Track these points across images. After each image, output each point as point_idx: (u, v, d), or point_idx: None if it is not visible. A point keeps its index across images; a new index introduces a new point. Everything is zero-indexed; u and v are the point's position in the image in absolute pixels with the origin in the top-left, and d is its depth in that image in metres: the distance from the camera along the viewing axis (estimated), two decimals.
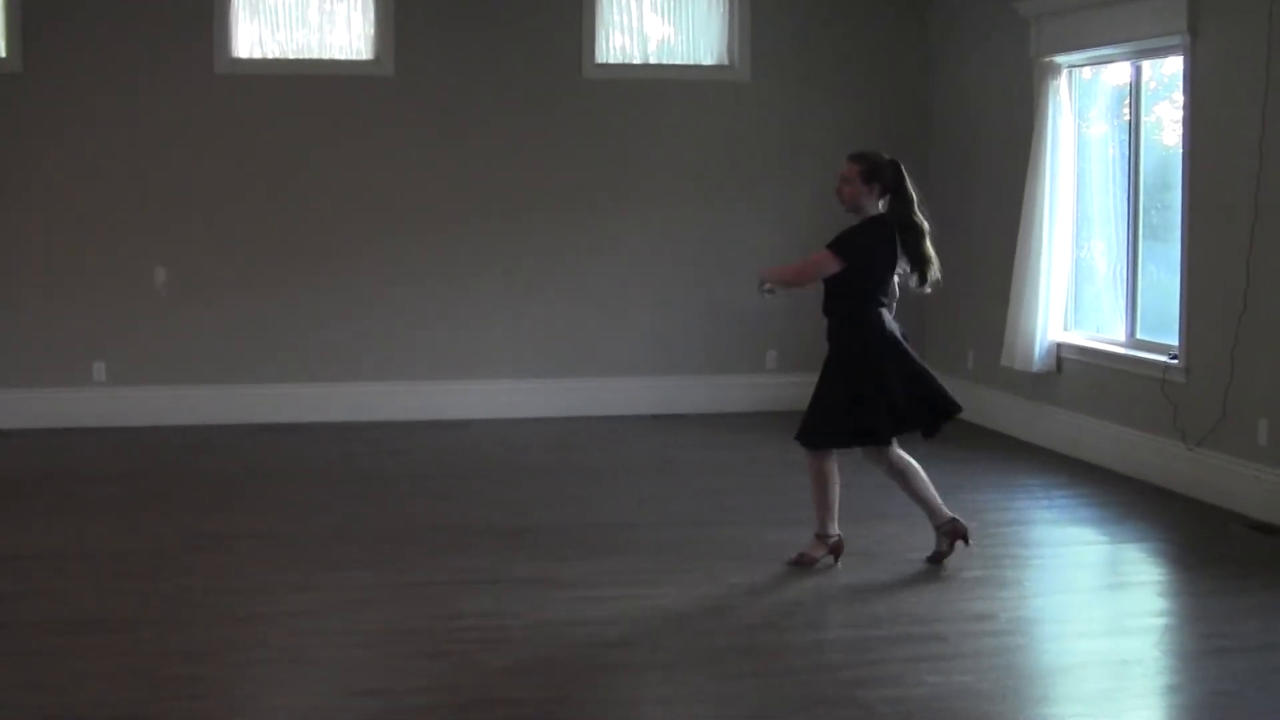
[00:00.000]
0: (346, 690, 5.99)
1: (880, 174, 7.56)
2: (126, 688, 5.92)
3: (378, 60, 11.82)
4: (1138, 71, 9.98)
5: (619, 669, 6.23)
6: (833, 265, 7.52)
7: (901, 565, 7.68)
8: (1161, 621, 7.06)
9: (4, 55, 11.33)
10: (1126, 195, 10.11)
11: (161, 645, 6.43)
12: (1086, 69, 10.57)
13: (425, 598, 7.14)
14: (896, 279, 7.72)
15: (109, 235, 11.57)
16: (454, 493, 9.48)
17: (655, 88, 12.22)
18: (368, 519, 8.73)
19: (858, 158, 7.62)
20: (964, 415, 11.76)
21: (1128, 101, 10.15)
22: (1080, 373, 10.49)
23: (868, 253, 7.53)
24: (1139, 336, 9.99)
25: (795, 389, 12.37)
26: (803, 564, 7.63)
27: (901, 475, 7.73)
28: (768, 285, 7.81)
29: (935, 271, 7.73)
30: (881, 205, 7.61)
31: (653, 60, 12.29)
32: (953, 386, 12.08)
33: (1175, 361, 9.38)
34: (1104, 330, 10.45)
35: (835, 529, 7.68)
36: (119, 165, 11.56)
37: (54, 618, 6.79)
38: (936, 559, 7.71)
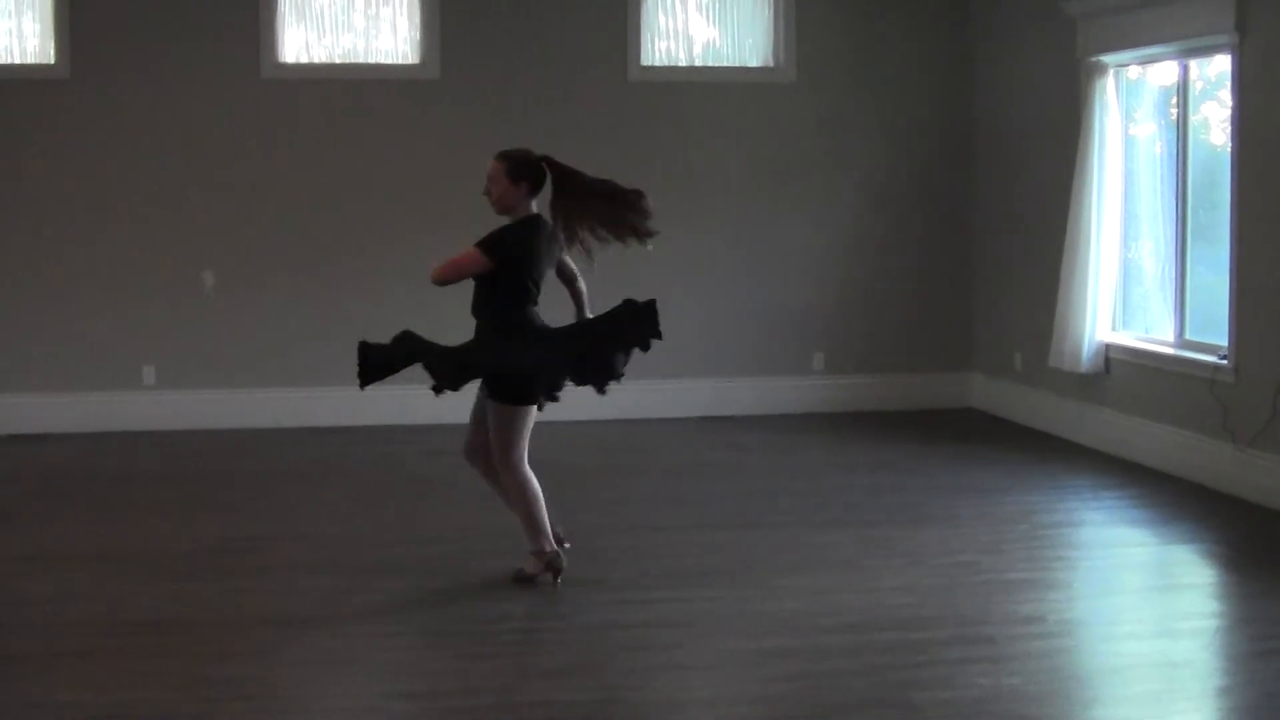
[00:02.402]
0: (391, 692, 6.00)
1: (527, 171, 7.38)
2: (172, 688, 5.95)
3: (423, 64, 11.85)
4: (1185, 71, 9.92)
5: (666, 670, 6.23)
6: (479, 264, 7.28)
7: (948, 567, 7.65)
8: (1212, 623, 7.00)
9: (52, 61, 11.41)
10: (1174, 195, 10.05)
11: (207, 646, 6.45)
12: (1133, 68, 10.51)
13: (469, 599, 7.14)
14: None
15: (158, 240, 11.64)
16: (498, 495, 9.46)
17: (700, 90, 12.21)
18: (411, 520, 8.76)
19: (504, 155, 7.44)
20: (1013, 416, 11.90)
21: (1175, 101, 10.09)
22: (1129, 373, 10.44)
23: (519, 253, 7.31)
24: (1188, 337, 9.93)
25: (842, 391, 12.46)
26: (521, 579, 7.39)
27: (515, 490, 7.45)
28: None
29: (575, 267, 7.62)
30: (535, 204, 7.42)
31: (698, 63, 12.30)
32: (1001, 387, 12.18)
33: (1224, 361, 9.32)
34: (1152, 331, 10.39)
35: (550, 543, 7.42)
36: (166, 170, 11.62)
37: (100, 619, 6.84)
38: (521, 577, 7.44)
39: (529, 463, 7.49)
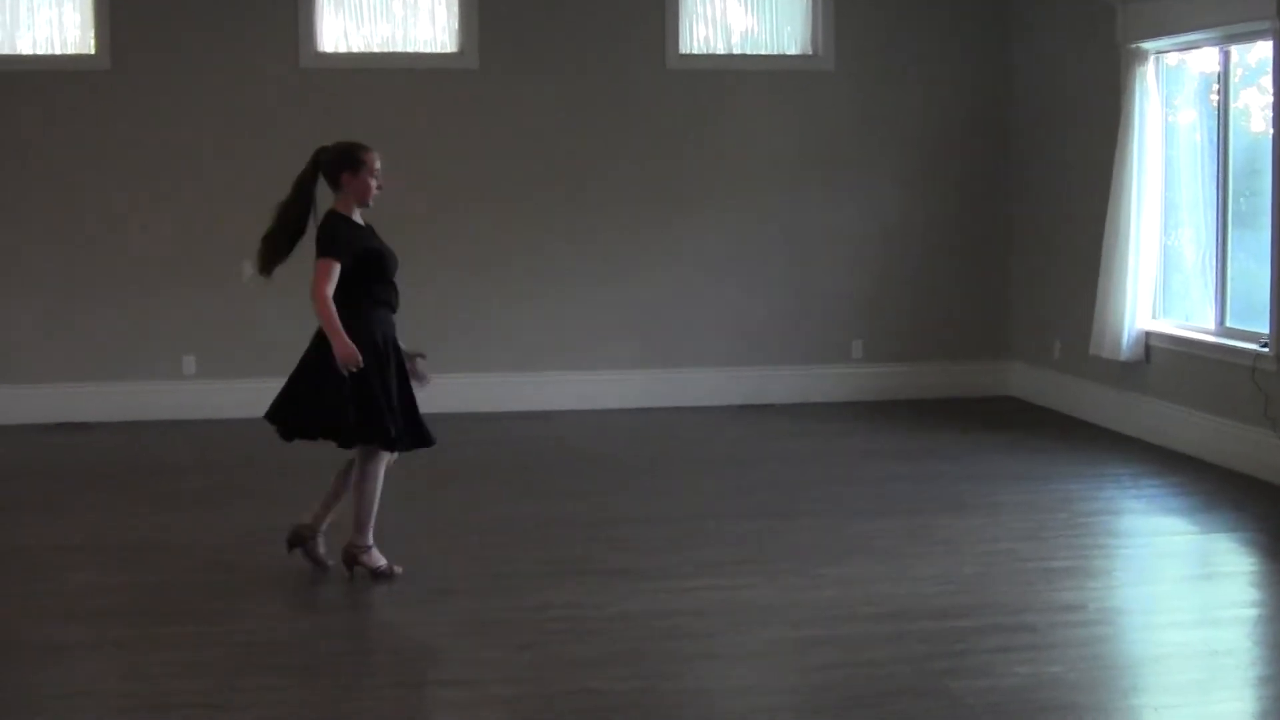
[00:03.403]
0: (431, 680, 6.02)
1: None
2: (211, 677, 5.98)
3: (462, 53, 11.86)
4: (1226, 57, 9.87)
5: (704, 659, 6.24)
6: None
7: (988, 556, 7.64)
8: (1253, 612, 6.97)
9: (92, 52, 11.47)
10: (1215, 182, 10.00)
11: (247, 636, 6.48)
12: (1173, 55, 10.46)
13: (509, 589, 7.16)
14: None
15: (197, 229, 11.67)
16: (538, 484, 9.50)
17: (739, 78, 12.20)
18: (451, 510, 8.78)
19: None
20: (1052, 404, 11.86)
21: (1215, 88, 10.04)
22: (1169, 361, 10.39)
23: None
24: (1228, 324, 9.89)
25: (882, 379, 12.43)
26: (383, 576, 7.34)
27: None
28: None
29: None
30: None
31: (736, 50, 12.27)
32: (1040, 375, 12.15)
33: (1265, 350, 9.27)
34: (1193, 318, 10.35)
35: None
36: (205, 160, 11.66)
37: (141, 608, 6.88)
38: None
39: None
